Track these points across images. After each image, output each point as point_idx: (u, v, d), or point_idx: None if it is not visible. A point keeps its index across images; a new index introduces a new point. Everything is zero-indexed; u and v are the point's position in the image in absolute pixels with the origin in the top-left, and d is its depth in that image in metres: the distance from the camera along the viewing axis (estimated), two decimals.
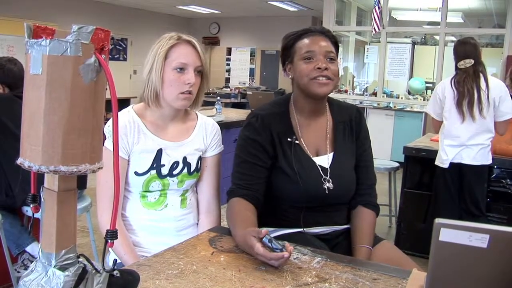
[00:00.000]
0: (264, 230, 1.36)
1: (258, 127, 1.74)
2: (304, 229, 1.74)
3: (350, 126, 1.85)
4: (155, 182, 1.76)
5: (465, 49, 3.40)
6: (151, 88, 1.71)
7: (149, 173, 1.75)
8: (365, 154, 1.87)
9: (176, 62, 1.68)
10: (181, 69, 1.69)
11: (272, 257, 1.31)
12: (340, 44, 1.81)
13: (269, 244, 1.31)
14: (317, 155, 1.78)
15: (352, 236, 1.77)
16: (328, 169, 1.76)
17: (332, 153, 1.79)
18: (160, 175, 1.76)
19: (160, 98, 1.73)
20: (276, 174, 1.74)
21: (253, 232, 1.37)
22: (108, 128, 1.69)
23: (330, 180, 1.74)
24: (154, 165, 1.75)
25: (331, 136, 1.81)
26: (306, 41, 1.72)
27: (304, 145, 1.77)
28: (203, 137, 1.87)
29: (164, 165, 1.76)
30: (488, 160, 3.44)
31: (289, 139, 1.75)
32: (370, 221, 1.78)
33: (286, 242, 1.34)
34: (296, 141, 1.75)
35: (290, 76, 1.77)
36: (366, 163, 1.87)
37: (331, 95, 1.84)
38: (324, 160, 1.77)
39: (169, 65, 1.69)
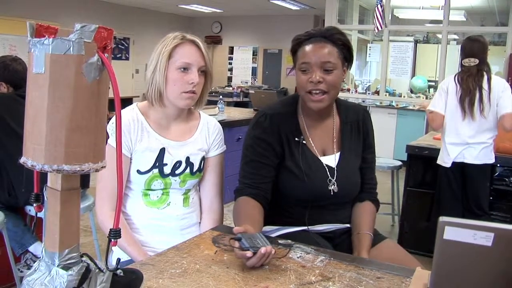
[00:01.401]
0: (235, 228, 1.37)
1: (266, 126, 1.74)
2: (309, 227, 1.74)
3: (358, 126, 1.85)
4: (157, 181, 1.76)
5: (472, 47, 3.36)
6: (155, 88, 1.71)
7: (151, 172, 1.74)
8: (371, 156, 1.90)
9: (180, 61, 1.68)
10: (185, 69, 1.69)
11: (237, 255, 1.33)
12: None
13: (242, 243, 1.32)
14: (324, 155, 1.78)
15: (352, 225, 1.80)
16: (335, 168, 1.76)
17: (338, 153, 1.80)
18: (162, 174, 1.76)
19: (164, 97, 1.73)
20: (283, 173, 1.74)
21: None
22: (111, 126, 1.69)
23: (336, 182, 1.75)
24: (157, 164, 1.75)
25: (338, 136, 1.82)
26: (305, 49, 1.68)
27: (312, 145, 1.77)
28: (206, 136, 1.87)
29: (166, 164, 1.76)
30: (490, 159, 3.41)
31: (296, 139, 1.75)
32: (370, 211, 1.83)
33: (262, 245, 1.33)
34: (304, 141, 1.75)
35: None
36: (371, 164, 1.91)
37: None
38: (331, 160, 1.78)
39: (173, 65, 1.69)
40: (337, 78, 1.67)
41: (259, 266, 1.32)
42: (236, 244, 1.32)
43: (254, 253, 1.29)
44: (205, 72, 1.75)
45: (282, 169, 1.75)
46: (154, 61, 1.70)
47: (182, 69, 1.69)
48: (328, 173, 1.75)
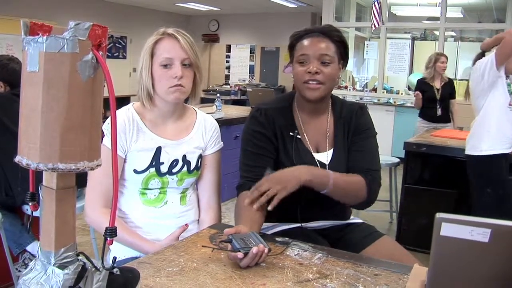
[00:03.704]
0: (225, 230, 1.37)
1: (262, 120, 1.76)
2: (302, 224, 1.74)
3: (350, 121, 1.83)
4: (154, 180, 1.76)
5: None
6: (143, 87, 1.71)
7: (148, 171, 1.74)
8: (361, 142, 1.79)
9: (161, 57, 1.68)
10: (168, 64, 1.69)
11: (230, 257, 1.32)
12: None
13: (233, 245, 1.31)
14: (317, 151, 1.78)
15: None
16: (327, 166, 1.75)
17: (331, 150, 1.79)
18: (159, 173, 1.75)
19: (152, 95, 1.72)
20: (276, 167, 1.74)
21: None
22: (107, 126, 1.69)
23: None
24: (153, 163, 1.75)
25: (331, 133, 1.81)
26: (304, 43, 1.71)
27: (306, 140, 1.78)
28: (203, 134, 1.87)
29: (163, 163, 1.76)
30: (471, 150, 3.11)
31: (291, 133, 1.75)
32: (352, 175, 1.68)
33: (255, 244, 1.32)
34: (298, 136, 1.76)
35: (293, 76, 1.77)
36: (360, 148, 1.78)
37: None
38: (324, 157, 1.77)
39: (156, 61, 1.69)
40: (334, 71, 1.70)
41: (255, 265, 1.32)
42: (229, 247, 1.32)
43: (246, 253, 1.28)
44: (191, 65, 1.73)
45: (275, 164, 1.75)
46: (141, 61, 1.71)
47: (164, 65, 1.68)
48: None
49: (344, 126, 1.82)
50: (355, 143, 1.79)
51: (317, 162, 1.75)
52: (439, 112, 5.46)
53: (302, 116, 1.80)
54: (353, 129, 1.81)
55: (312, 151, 1.77)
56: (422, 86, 5.53)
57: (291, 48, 1.77)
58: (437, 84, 5.47)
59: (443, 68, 5.43)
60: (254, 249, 1.28)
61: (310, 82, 1.67)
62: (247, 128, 1.79)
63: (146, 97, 1.72)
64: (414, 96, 5.56)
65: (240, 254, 1.28)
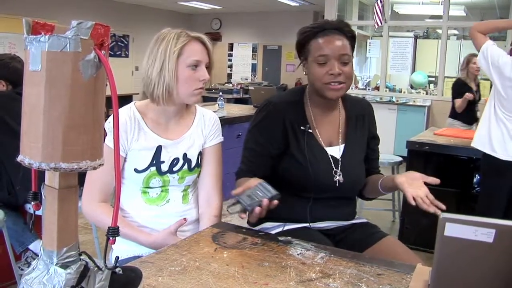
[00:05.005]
0: (233, 192, 1.46)
1: (269, 113, 1.77)
2: (310, 224, 1.74)
3: (363, 119, 1.88)
4: (155, 179, 1.75)
5: None
6: (164, 87, 1.68)
7: (148, 170, 1.74)
8: (376, 148, 1.95)
9: (190, 59, 1.68)
10: (195, 66, 1.70)
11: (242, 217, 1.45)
12: None
13: (242, 204, 1.42)
14: (330, 146, 1.79)
15: (372, 184, 1.85)
16: (339, 159, 1.77)
17: (343, 145, 1.81)
18: (160, 172, 1.75)
19: (173, 95, 1.72)
20: (287, 161, 1.76)
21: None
22: (109, 125, 1.68)
23: (341, 173, 1.75)
24: (154, 162, 1.74)
25: (343, 128, 1.84)
26: (320, 41, 1.68)
27: (318, 135, 1.79)
28: (202, 129, 1.86)
29: (163, 162, 1.75)
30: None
31: (302, 128, 1.76)
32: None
33: (263, 196, 1.42)
34: (310, 130, 1.76)
35: (305, 73, 1.78)
36: (376, 155, 1.95)
37: None
38: (336, 151, 1.79)
39: (183, 63, 1.68)
40: (352, 69, 1.72)
41: (257, 264, 1.31)
42: (238, 208, 1.42)
43: (251, 212, 1.41)
44: (209, 69, 1.77)
45: (286, 157, 1.76)
46: (160, 60, 1.67)
47: (192, 67, 1.69)
48: (333, 164, 1.76)
49: (356, 122, 1.86)
50: (373, 150, 1.93)
51: (329, 157, 1.77)
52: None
53: (314, 111, 1.81)
54: (367, 128, 1.89)
55: (324, 146, 1.78)
56: (463, 88, 5.28)
57: (304, 44, 1.74)
58: (473, 86, 5.30)
59: (476, 69, 5.21)
60: (257, 210, 1.39)
61: (332, 83, 1.67)
62: (255, 120, 1.81)
63: (166, 97, 1.70)
64: (467, 97, 5.19)
65: (243, 215, 1.43)
